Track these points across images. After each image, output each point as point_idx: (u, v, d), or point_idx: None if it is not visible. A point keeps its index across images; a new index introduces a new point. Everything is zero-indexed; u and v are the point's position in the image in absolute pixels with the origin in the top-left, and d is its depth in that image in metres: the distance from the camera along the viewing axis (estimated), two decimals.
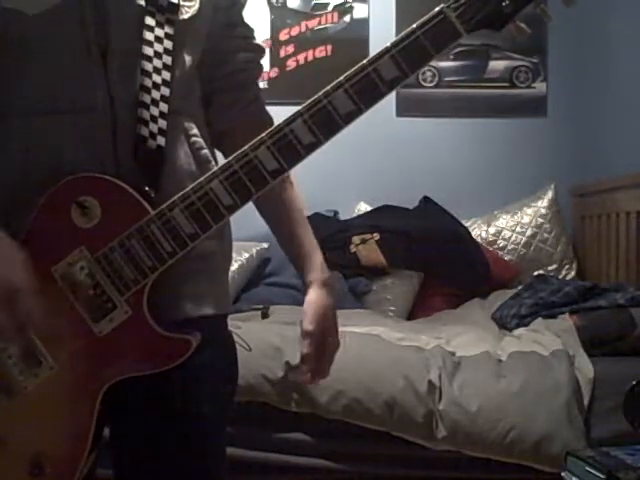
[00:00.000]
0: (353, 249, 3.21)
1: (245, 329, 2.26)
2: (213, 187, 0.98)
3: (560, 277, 3.29)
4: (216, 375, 1.13)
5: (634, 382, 1.59)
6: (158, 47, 1.06)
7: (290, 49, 3.70)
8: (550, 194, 3.48)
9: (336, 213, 3.58)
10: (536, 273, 3.22)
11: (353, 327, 2.43)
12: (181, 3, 1.09)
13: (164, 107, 1.05)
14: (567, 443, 1.95)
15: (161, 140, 1.05)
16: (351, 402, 2.07)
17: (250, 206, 1.07)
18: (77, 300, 1.01)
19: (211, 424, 1.13)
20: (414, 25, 0.94)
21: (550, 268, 3.36)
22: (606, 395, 2.07)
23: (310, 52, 3.69)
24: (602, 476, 1.44)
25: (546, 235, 3.41)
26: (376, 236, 3.21)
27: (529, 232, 3.41)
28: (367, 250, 3.19)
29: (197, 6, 1.11)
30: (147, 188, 1.02)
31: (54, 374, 1.02)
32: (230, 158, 0.99)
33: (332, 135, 0.98)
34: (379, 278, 3.19)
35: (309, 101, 0.97)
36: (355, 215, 3.53)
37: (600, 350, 2.26)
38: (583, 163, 3.56)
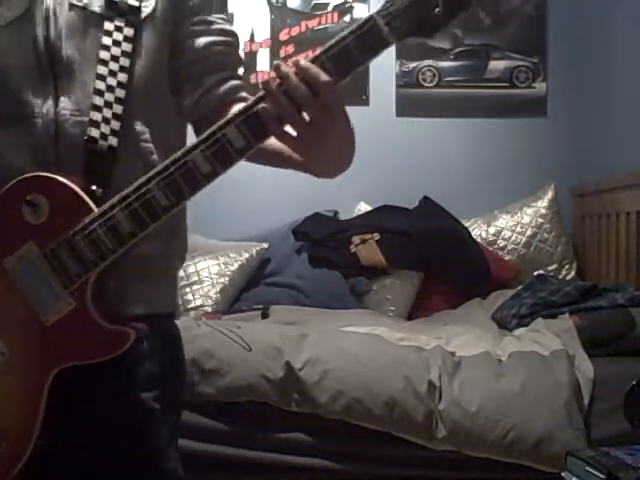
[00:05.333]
0: (353, 249, 3.21)
1: (245, 329, 2.26)
2: (151, 188, 1.02)
3: (560, 277, 3.29)
4: (156, 361, 1.19)
5: (634, 382, 1.59)
6: (115, 50, 1.12)
7: (290, 49, 3.70)
8: (550, 194, 3.48)
9: (336, 213, 3.58)
10: (536, 273, 3.22)
11: (353, 327, 2.44)
12: (141, 4, 1.14)
13: (118, 109, 1.11)
14: (567, 443, 1.95)
15: (113, 140, 1.10)
16: (351, 402, 2.07)
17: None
18: (26, 291, 1.07)
19: (156, 406, 1.18)
20: (344, 32, 0.94)
21: (550, 268, 3.35)
22: (606, 395, 2.07)
23: (310, 52, 3.69)
24: (602, 476, 1.43)
25: (546, 235, 3.41)
26: (376, 236, 3.22)
27: (529, 232, 3.41)
28: (367, 250, 3.19)
29: (153, 4, 1.15)
30: (94, 187, 1.08)
31: (5, 360, 1.09)
32: (167, 161, 1.02)
33: (264, 138, 0.99)
34: (379, 278, 3.19)
35: (243, 107, 0.99)
36: (355, 215, 3.53)
37: (600, 350, 2.26)
38: (583, 163, 3.56)
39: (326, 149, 1.01)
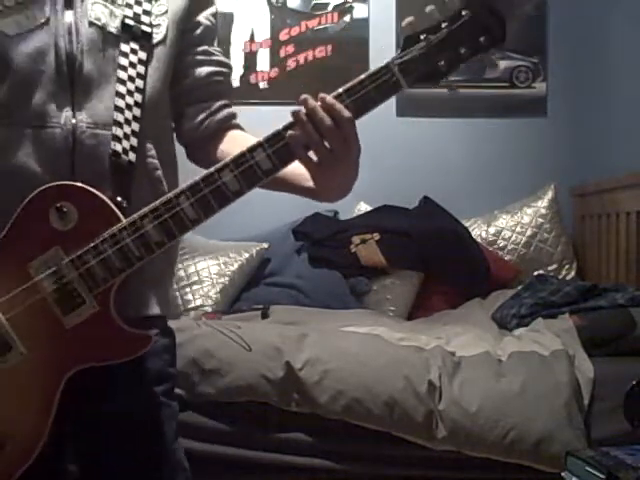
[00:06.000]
0: (353, 249, 3.21)
1: (245, 329, 2.26)
2: (181, 202, 1.09)
3: (560, 277, 3.29)
4: (162, 358, 1.26)
5: (634, 382, 1.59)
6: (132, 72, 1.19)
7: (290, 49, 3.70)
8: (550, 194, 3.48)
9: (336, 213, 3.58)
10: (536, 273, 3.22)
11: (353, 327, 2.44)
12: (153, 30, 1.22)
13: (135, 126, 1.18)
14: (567, 443, 1.95)
15: (132, 156, 1.17)
16: (351, 402, 2.07)
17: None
18: (49, 294, 1.10)
19: (165, 400, 1.25)
20: (363, 76, 1.09)
21: (550, 268, 3.35)
22: (606, 395, 2.07)
23: (310, 52, 3.69)
24: (602, 476, 1.43)
25: (546, 235, 3.41)
26: (376, 236, 3.22)
27: (529, 232, 3.41)
28: (367, 250, 3.20)
29: (164, 31, 1.24)
30: (119, 199, 1.14)
31: (23, 360, 1.10)
32: (198, 178, 1.10)
33: (289, 162, 1.10)
34: (379, 278, 3.19)
35: (271, 133, 1.09)
36: (355, 215, 3.53)
37: (600, 350, 2.26)
38: (583, 163, 3.56)
39: (338, 174, 1.13)
